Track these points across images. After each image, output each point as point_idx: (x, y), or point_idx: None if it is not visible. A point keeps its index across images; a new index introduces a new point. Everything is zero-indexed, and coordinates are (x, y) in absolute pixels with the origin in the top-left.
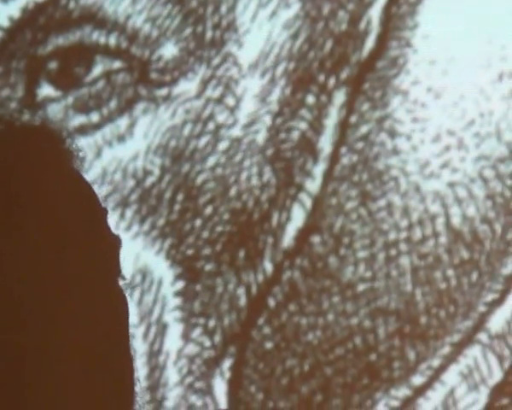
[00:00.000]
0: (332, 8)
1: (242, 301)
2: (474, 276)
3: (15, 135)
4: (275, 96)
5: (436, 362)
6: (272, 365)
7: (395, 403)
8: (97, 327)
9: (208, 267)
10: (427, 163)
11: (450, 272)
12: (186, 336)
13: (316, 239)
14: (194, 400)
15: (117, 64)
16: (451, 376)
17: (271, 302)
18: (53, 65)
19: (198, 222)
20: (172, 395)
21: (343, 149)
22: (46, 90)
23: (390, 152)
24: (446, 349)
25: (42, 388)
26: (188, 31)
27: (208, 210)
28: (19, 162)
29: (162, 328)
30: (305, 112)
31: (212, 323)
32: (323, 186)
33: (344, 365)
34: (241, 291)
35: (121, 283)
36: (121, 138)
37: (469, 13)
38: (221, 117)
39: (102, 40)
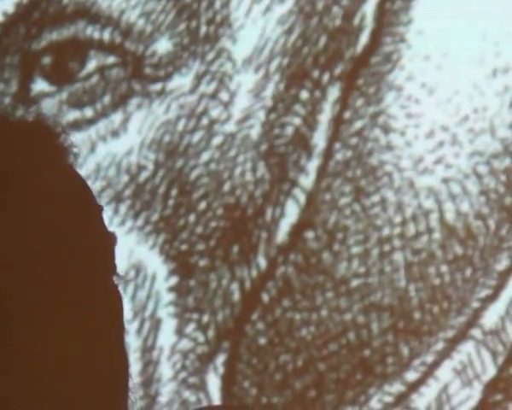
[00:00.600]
0: (326, 3)
1: (236, 297)
2: (468, 272)
3: (9, 130)
4: (269, 91)
5: (430, 358)
6: (266, 360)
7: (389, 399)
8: (92, 323)
9: (202, 263)
10: (421, 159)
11: (443, 268)
12: (180, 332)
13: (309, 235)
14: (188, 395)
15: (111, 59)
16: (445, 372)
17: (265, 298)
18: (47, 60)
19: (192, 217)
20: (166, 391)
21: (337, 145)
22: (40, 85)
23: (384, 148)
24: (440, 345)
25: (37, 380)
26: (182, 26)
27: (202, 205)
28: (12, 157)
29: (156, 323)
30: (299, 107)
31: (205, 318)
32: (317, 182)
33: (337, 360)
34: (234, 287)
35: (116, 279)
36: (115, 133)
37: (463, 9)
38: (215, 112)
39: (96, 35)
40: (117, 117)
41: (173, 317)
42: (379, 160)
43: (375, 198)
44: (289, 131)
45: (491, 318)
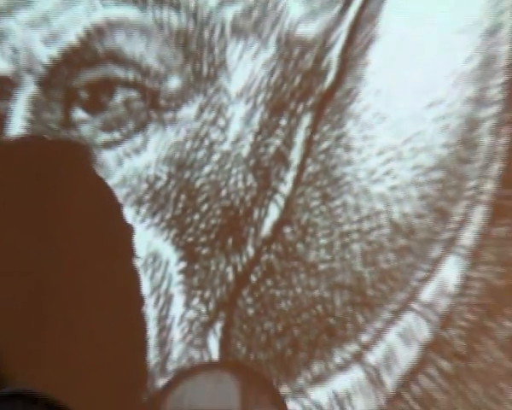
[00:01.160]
0: (301, 50)
1: (230, 278)
2: (409, 259)
3: (56, 148)
4: (256, 119)
5: (379, 324)
6: (253, 326)
7: (347, 356)
8: (116, 293)
9: (204, 251)
10: (374, 171)
11: (391, 256)
12: (187, 304)
13: (287, 230)
14: (193, 353)
15: (133, 94)
16: (391, 335)
17: (253, 278)
18: (84, 94)
19: (196, 216)
20: (176, 350)
21: (308, 161)
22: (79, 114)
23: (345, 163)
24: (387, 315)
25: (81, 335)
26: (188, 68)
27: (204, 207)
28: (59, 169)
29: (169, 298)
30: (280, 131)
31: (207, 294)
32: (293, 189)
33: (308, 327)
34: (229, 270)
35: (136, 262)
36: (137, 151)
37: (407, 54)
38: (214, 135)
39: (122, 75)
40: (138, 139)
41: (182, 293)
42: (341, 172)
43: (338, 202)
44: (272, 149)
45: (426, 294)
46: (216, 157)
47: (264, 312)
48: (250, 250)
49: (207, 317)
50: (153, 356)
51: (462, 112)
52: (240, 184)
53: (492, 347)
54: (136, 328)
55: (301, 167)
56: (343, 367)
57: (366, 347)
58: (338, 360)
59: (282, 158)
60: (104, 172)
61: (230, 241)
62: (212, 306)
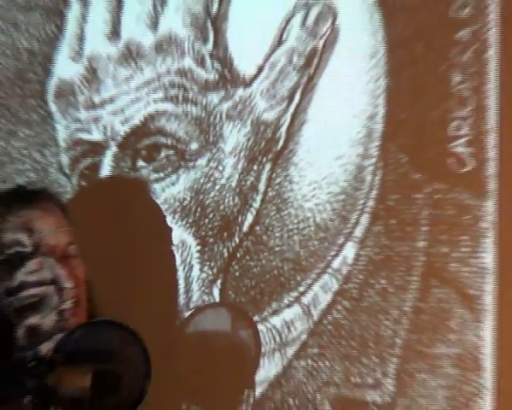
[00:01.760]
0: (264, 127)
1: (225, 255)
2: (326, 244)
3: (128, 182)
4: (240, 165)
5: (309, 281)
6: (238, 283)
7: (291, 299)
8: (162, 265)
9: (211, 240)
10: (305, 195)
11: (315, 242)
12: (201, 270)
13: (257, 228)
14: (204, 297)
15: (171, 152)
16: (316, 287)
17: (238, 255)
18: (144, 152)
19: (206, 220)
20: (195, 296)
21: (269, 189)
22: (140, 163)
23: (289, 190)
24: (313, 275)
25: (143, 285)
26: (202, 137)
27: (210, 215)
28: (130, 194)
29: (190, 267)
30: (253, 173)
31: (212, 264)
32: (261, 205)
33: (269, 283)
34: (224, 250)
35: (173, 247)
36: (173, 184)
37: (325, 130)
38: (216, 175)
39: (165, 141)
40: (173, 177)
41: (198, 264)
42: (287, 196)
43: (285, 212)
44: (248, 183)
45: (336, 264)
46: (217, 187)
47: (245, 274)
48: (236, 239)
49: (212, 277)
50: (181, 299)
51: (355, 162)
52: (230, 202)
53: (373, 294)
54: (173, 283)
55: (265, 193)
56: (289, 305)
57: (302, 293)
58: (286, 301)
59: (254, 188)
60: (154, 196)
61: (225, 234)
62: (215, 271)
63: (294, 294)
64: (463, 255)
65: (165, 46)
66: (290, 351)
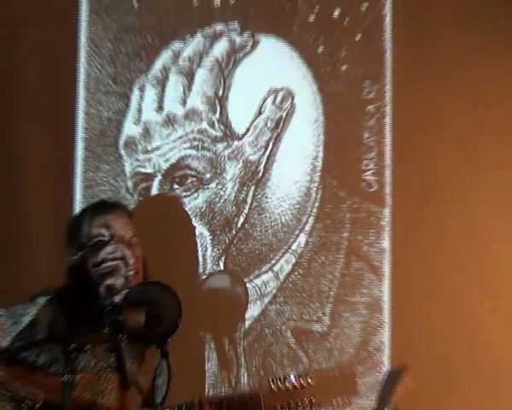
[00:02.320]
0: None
1: (227, 241)
2: (288, 235)
3: (167, 199)
4: (236, 187)
5: (277, 257)
6: (235, 258)
7: (267, 268)
8: (189, 249)
9: (217, 232)
10: (275, 205)
11: (281, 234)
12: (212, 251)
13: (246, 225)
14: (215, 267)
15: (194, 179)
16: (281, 261)
17: (235, 241)
18: (177, 180)
19: (215, 221)
20: (208, 267)
21: (251, 211)
22: (175, 187)
23: (265, 202)
24: (280, 254)
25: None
26: (213, 171)
27: (217, 217)
28: (169, 205)
29: (205, 249)
30: (243, 191)
31: (218, 247)
32: (248, 211)
33: (254, 257)
34: (226, 238)
35: (196, 237)
36: (195, 199)
37: (285, 174)
38: (221, 193)
39: (190, 173)
40: (195, 195)
41: (210, 247)
42: (263, 207)
43: (263, 215)
44: (241, 197)
45: (293, 247)
46: (222, 201)
47: (239, 253)
48: (233, 232)
49: (219, 255)
50: (200, 268)
51: (305, 185)
52: (230, 210)
53: (316, 265)
54: (195, 259)
55: (251, 204)
56: (265, 272)
57: (273, 265)
58: (263, 269)
59: (244, 201)
60: (184, 206)
61: (227, 229)
62: (220, 251)
63: (269, 265)
64: (371, 241)
65: (190, 115)
66: (266, 300)
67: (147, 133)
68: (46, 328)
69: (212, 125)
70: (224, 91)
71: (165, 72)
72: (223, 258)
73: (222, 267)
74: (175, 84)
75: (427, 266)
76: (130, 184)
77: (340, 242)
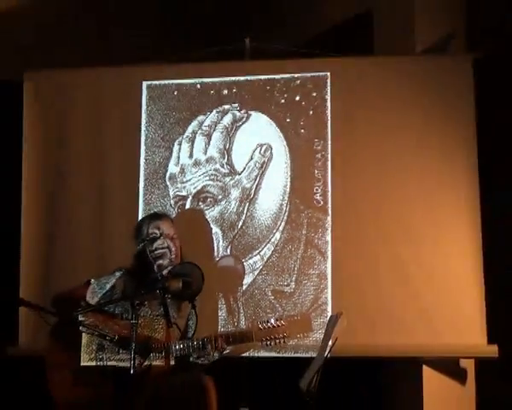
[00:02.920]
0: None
1: (231, 236)
2: (268, 232)
3: (195, 211)
4: (237, 203)
5: (261, 247)
6: (237, 247)
7: (255, 253)
8: (208, 241)
9: (226, 230)
10: (261, 214)
11: (264, 232)
12: (222, 242)
13: (244, 226)
14: (224, 254)
15: (211, 199)
16: (264, 249)
17: (237, 236)
18: (201, 199)
19: (224, 224)
20: (220, 253)
21: (248, 212)
22: (199, 204)
23: (255, 213)
24: (263, 245)
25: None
26: (222, 193)
27: (225, 222)
28: (195, 215)
29: (218, 240)
30: (241, 206)
31: (227, 240)
32: (245, 218)
33: (247, 246)
34: (231, 235)
35: (211, 234)
36: (212, 211)
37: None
38: (228, 207)
39: (209, 195)
40: (212, 208)
41: (221, 240)
42: (255, 214)
43: (254, 221)
44: (240, 209)
45: (272, 240)
46: (228, 211)
47: (239, 244)
48: (235, 231)
49: (226, 245)
50: (215, 254)
51: (279, 203)
52: (233, 217)
53: (286, 252)
54: (211, 248)
55: (246, 213)
56: (255, 255)
57: (259, 251)
58: (254, 254)
59: (242, 213)
60: (205, 215)
61: (231, 228)
62: (228, 243)
63: (257, 251)
64: (319, 236)
65: (209, 160)
66: (255, 273)
67: (182, 171)
68: (120, 291)
69: (222, 166)
70: (229, 145)
71: (194, 134)
72: (229, 247)
73: (228, 253)
74: (200, 141)
75: (358, 249)
76: (172, 202)
77: (301, 237)
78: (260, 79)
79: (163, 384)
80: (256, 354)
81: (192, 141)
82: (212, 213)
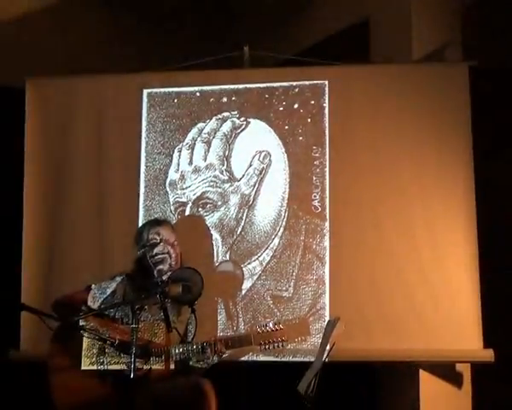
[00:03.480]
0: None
1: (231, 242)
2: (267, 238)
3: (194, 217)
4: (236, 209)
5: (261, 252)
6: (236, 252)
7: (255, 258)
8: (207, 246)
9: (225, 236)
10: (260, 220)
11: (263, 238)
12: (222, 248)
13: (243, 232)
14: (223, 259)
15: (211, 205)
16: (264, 254)
17: (236, 242)
18: (201, 205)
19: (223, 229)
20: (220, 258)
21: (247, 217)
22: (199, 209)
23: (254, 218)
24: (262, 250)
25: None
26: (222, 199)
27: (225, 227)
28: (196, 221)
29: (217, 247)
30: (241, 211)
31: (226, 246)
32: (244, 224)
33: (247, 251)
34: (230, 240)
35: (212, 239)
36: (212, 217)
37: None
38: (227, 213)
39: (209, 201)
40: (212, 214)
41: (220, 245)
42: (254, 220)
43: (253, 226)
44: (239, 215)
45: (271, 246)
46: (227, 217)
47: (238, 249)
48: (235, 237)
49: (226, 250)
50: (214, 259)
51: (278, 209)
52: (232, 223)
53: (284, 257)
54: (211, 253)
55: (245, 219)
56: (254, 261)
57: (258, 256)
58: (253, 259)
59: (241, 217)
60: (205, 221)
61: (231, 234)
62: (227, 248)
63: (256, 256)
64: (318, 242)
65: (209, 167)
66: (254, 278)
67: (182, 178)
68: (121, 296)
69: (221, 172)
70: (228, 152)
71: (194, 141)
72: (228, 252)
73: (228, 258)
74: (199, 148)
75: (355, 255)
76: (172, 208)
77: (299, 242)
78: (259, 87)
79: (163, 388)
80: (255, 358)
81: (192, 148)
82: (211, 219)
